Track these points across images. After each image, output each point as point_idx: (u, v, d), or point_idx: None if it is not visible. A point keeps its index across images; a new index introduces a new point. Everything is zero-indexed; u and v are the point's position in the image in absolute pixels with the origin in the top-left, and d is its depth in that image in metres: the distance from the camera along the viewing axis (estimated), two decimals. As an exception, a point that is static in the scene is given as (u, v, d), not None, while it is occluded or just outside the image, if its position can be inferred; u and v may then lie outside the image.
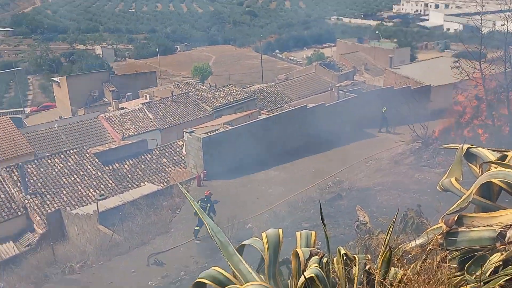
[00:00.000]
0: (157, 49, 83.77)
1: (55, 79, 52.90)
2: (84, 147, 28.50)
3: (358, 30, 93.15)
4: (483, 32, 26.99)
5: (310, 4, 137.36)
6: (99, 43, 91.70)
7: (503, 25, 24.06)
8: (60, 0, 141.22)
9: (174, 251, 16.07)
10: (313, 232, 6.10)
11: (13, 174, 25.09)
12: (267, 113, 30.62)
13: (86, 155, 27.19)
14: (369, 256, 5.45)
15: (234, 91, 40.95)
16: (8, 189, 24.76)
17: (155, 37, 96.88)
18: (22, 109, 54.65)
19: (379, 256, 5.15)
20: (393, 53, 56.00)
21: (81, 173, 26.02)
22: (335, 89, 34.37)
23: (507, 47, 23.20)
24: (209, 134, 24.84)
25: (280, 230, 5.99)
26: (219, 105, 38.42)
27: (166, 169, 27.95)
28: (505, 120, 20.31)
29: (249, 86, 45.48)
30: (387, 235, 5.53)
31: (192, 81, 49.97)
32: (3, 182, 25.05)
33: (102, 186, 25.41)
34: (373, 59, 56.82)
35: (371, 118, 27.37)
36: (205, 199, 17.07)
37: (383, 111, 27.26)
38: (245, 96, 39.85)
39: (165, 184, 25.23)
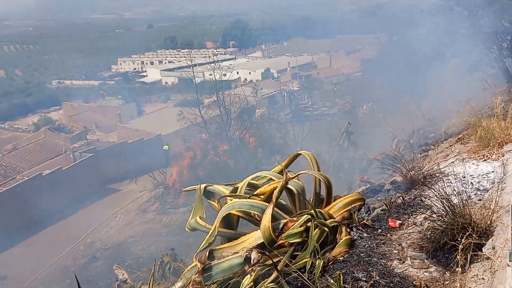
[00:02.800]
0: None
1: None
2: None
3: (82, 91, 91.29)
4: (196, 82, 29.50)
5: (27, 71, 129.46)
6: None
7: (211, 74, 26.78)
8: None
9: None
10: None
11: None
12: (-2, 187, 27.33)
13: None
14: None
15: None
16: None
17: None
18: None
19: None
20: (120, 109, 56.49)
21: None
22: (70, 151, 32.79)
23: (218, 93, 25.86)
24: None
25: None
26: None
27: None
28: (228, 155, 22.42)
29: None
30: (149, 286, 5.52)
31: None
32: None
33: None
34: (102, 117, 56.19)
35: (112, 173, 26.96)
36: None
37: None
38: (-32, 173, 34.76)
39: None
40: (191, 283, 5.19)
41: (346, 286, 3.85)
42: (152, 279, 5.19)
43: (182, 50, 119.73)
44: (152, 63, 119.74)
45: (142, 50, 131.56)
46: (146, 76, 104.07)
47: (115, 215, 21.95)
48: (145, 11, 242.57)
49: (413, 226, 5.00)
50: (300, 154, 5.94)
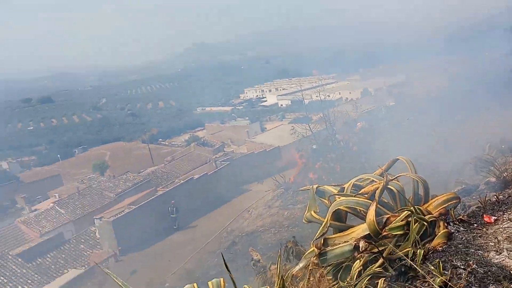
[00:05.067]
0: (58, 156, 78.00)
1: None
2: (6, 250, 24.96)
3: (219, 114, 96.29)
4: (305, 103, 29.52)
5: (179, 101, 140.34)
6: (4, 159, 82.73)
7: (317, 96, 26.64)
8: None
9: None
10: (221, 279, 6.00)
11: None
12: (162, 189, 29.75)
13: (9, 257, 23.77)
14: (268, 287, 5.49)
15: (131, 176, 39.23)
16: None
17: (55, 146, 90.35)
18: None
19: (275, 285, 5.22)
20: (247, 128, 58.53)
21: (7, 273, 22.61)
22: (213, 161, 34.67)
23: (324, 110, 25.71)
24: (117, 216, 23.36)
25: (195, 284, 5.80)
26: (120, 191, 36.42)
27: (85, 253, 25.44)
28: (335, 161, 22.09)
29: (143, 171, 43.94)
30: (277, 266, 5.63)
31: (93, 175, 47.03)
32: None
33: (28, 281, 22.28)
34: (235, 134, 58.70)
35: (244, 176, 27.98)
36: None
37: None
38: (141, 179, 38.38)
39: (86, 266, 22.91)
40: (310, 264, 5.22)
41: (446, 272, 3.60)
42: (279, 260, 5.30)
43: (293, 79, 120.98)
44: (270, 90, 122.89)
45: (262, 81, 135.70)
46: (266, 101, 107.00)
47: (248, 209, 22.68)
48: (264, 49, 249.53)
49: (508, 221, 4.52)
50: (398, 159, 5.71)
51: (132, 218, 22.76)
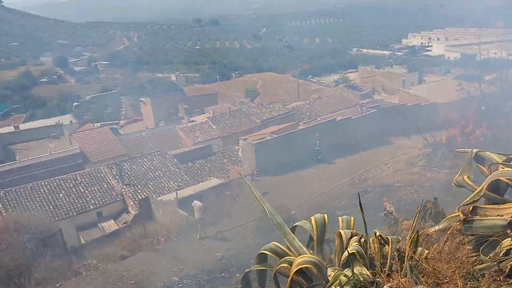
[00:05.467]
0: (217, 76, 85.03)
1: (142, 99, 54.29)
2: (165, 150, 29.18)
3: (375, 58, 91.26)
4: (480, 59, 25.89)
5: (335, 39, 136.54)
6: (174, 72, 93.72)
7: (496, 53, 23.06)
8: (143, 41, 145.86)
9: (236, 230, 16.17)
10: (352, 218, 6.05)
11: (112, 170, 25.97)
12: (303, 124, 30.43)
13: (167, 156, 27.83)
14: (400, 238, 5.35)
15: (277, 107, 40.87)
16: (109, 181, 25.64)
17: (216, 67, 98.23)
18: (117, 121, 56.33)
19: (408, 238, 5.04)
20: (404, 77, 54.53)
21: (163, 169, 26.63)
22: (358, 106, 33.71)
23: (502, 70, 22.24)
24: (259, 141, 24.92)
25: (325, 215, 5.97)
26: (266, 118, 38.43)
27: (227, 167, 28.20)
28: (503, 129, 19.36)
29: (289, 104, 45.17)
30: (413, 221, 5.40)
31: (245, 100, 50.25)
32: (106, 176, 25.96)
33: (179, 179, 25.92)
34: (388, 81, 55.50)
35: (389, 128, 26.75)
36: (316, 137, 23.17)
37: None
38: (286, 111, 39.73)
39: (226, 179, 25.48)
40: (451, 228, 4.87)
41: None
42: (417, 216, 5.07)
43: (470, 29, 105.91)
44: (438, 39, 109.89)
45: (431, 27, 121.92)
46: (431, 50, 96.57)
47: (387, 162, 21.86)
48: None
49: None
50: None
51: (273, 145, 24.06)
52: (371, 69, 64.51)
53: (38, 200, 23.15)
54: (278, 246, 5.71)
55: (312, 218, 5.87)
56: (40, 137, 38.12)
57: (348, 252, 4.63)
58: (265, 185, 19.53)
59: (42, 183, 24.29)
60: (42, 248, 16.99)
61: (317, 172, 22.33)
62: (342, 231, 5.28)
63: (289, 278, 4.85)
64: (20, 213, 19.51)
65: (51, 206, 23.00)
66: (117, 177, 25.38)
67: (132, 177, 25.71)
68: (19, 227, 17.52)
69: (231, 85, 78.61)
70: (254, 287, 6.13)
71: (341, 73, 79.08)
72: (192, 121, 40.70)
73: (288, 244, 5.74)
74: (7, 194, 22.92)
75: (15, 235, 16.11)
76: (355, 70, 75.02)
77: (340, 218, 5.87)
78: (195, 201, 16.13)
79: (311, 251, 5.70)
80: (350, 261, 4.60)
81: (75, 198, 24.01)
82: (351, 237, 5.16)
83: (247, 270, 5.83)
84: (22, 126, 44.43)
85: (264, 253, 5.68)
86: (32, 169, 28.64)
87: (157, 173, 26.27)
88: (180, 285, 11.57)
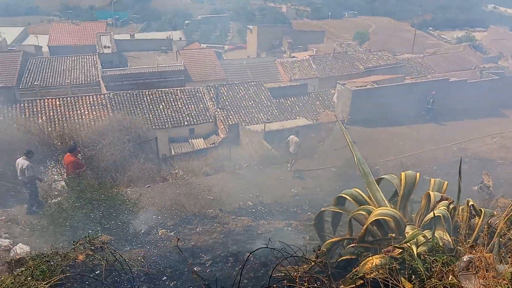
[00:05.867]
0: (329, 13, 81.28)
1: (249, 26, 54.32)
2: (262, 81, 29.46)
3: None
4: None
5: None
6: (286, 3, 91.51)
7: None
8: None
9: (314, 172, 16.27)
10: (446, 182, 5.67)
11: (210, 92, 27.05)
12: (410, 79, 28.42)
13: (262, 88, 28.16)
14: (495, 212, 4.92)
15: (386, 56, 38.46)
16: (205, 102, 26.86)
17: (330, 3, 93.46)
18: (222, 46, 57.46)
19: (504, 214, 4.60)
20: (542, 46, 47.35)
21: (256, 100, 27.14)
22: (478, 69, 30.36)
23: None
24: (358, 88, 23.96)
25: (418, 174, 5.66)
26: (371, 66, 36.55)
27: (318, 109, 27.85)
28: None
29: (399, 55, 42.17)
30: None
31: (352, 43, 47.80)
32: (203, 96, 27.18)
33: (269, 113, 26.31)
34: (521, 48, 48.72)
35: (507, 100, 23.95)
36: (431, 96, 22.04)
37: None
38: (394, 62, 37.31)
39: (315, 121, 25.26)
40: None
41: None
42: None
43: None
44: None
45: None
46: None
47: (494, 135, 19.85)
48: None
49: None
50: None
51: (372, 95, 22.99)
52: (504, 31, 56.72)
53: (140, 107, 25.17)
54: (360, 194, 5.61)
55: (403, 173, 5.61)
56: (151, 48, 40.61)
57: (433, 213, 4.39)
58: (355, 135, 18.98)
59: (146, 92, 26.22)
60: (138, 151, 18.75)
61: (412, 131, 21.10)
62: (431, 193, 5.00)
63: (364, 226, 4.78)
64: (124, 115, 21.46)
65: (150, 115, 24.93)
66: (213, 99, 26.46)
67: (227, 102, 26.62)
68: (121, 128, 19.37)
69: (341, 24, 74.83)
70: (325, 227, 6.18)
71: (467, 30, 70.85)
72: (293, 57, 40.15)
73: (370, 193, 5.60)
74: (115, 96, 25.23)
75: (117, 134, 17.87)
76: (484, 30, 66.76)
77: (432, 180, 5.54)
78: (292, 136, 16.59)
79: (392, 206, 5.52)
80: (433, 223, 4.37)
81: (172, 111, 25.68)
82: (440, 201, 4.86)
83: (322, 209, 5.86)
84: (137, 36, 47.47)
85: (344, 197, 5.62)
86: (140, 77, 30.94)
87: (250, 103, 26.87)
88: (253, 210, 12.14)
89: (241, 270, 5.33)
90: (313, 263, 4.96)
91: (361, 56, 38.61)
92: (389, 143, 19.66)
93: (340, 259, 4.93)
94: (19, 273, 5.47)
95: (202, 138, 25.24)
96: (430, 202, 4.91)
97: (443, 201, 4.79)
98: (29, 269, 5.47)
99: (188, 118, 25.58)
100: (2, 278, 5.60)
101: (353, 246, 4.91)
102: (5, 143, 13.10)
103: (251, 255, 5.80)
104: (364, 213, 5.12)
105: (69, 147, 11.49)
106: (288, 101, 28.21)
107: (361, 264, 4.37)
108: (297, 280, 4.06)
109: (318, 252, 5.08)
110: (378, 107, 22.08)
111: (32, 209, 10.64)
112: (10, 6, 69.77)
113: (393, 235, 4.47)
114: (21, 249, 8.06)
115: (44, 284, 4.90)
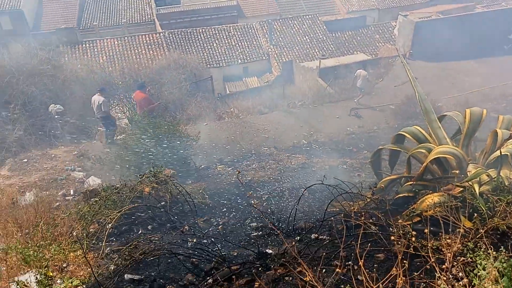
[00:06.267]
0: None
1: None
2: (317, 14, 28.22)
3: None
4: None
5: None
6: None
7: None
8: None
9: (371, 111, 15.85)
10: (517, 120, 5.32)
11: (263, 28, 26.43)
12: (482, 8, 25.88)
13: (317, 22, 27.03)
14: None
15: (455, -18, 35.05)
16: (258, 39, 26.39)
17: None
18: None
19: None
20: None
21: (311, 35, 26.23)
22: None
23: None
24: (423, 19, 22.28)
25: (485, 110, 5.36)
26: (436, -5, 33.60)
27: (377, 44, 26.49)
28: None
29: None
30: None
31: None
32: (256, 33, 26.66)
33: (324, 48, 25.44)
34: None
35: None
36: None
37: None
38: (463, -11, 33.94)
39: (374, 56, 24.15)
40: None
41: None
42: None
43: None
44: None
45: None
46: None
47: None
48: None
49: None
50: None
51: (438, 26, 21.33)
52: None
53: (195, 45, 25.27)
54: (420, 131, 5.44)
55: (467, 110, 5.34)
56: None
57: (500, 152, 4.20)
58: (417, 70, 17.99)
59: (200, 30, 26.15)
60: (195, 90, 19.16)
61: (480, 67, 19.61)
62: (499, 130, 4.74)
63: (424, 164, 4.69)
64: (180, 54, 21.73)
65: (205, 54, 25.02)
66: (266, 35, 25.91)
67: (280, 38, 25.98)
68: (178, 67, 19.75)
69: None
70: (382, 165, 6.14)
71: None
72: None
73: (431, 131, 5.42)
74: (170, 35, 25.43)
75: (174, 73, 18.27)
76: None
77: (501, 117, 5.23)
78: (360, 70, 16.59)
79: (454, 144, 5.33)
80: (499, 162, 4.20)
81: (226, 49, 25.57)
82: (508, 139, 4.62)
83: (380, 147, 5.78)
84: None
85: (403, 134, 5.49)
86: (193, 14, 30.73)
87: (304, 38, 26.04)
88: (308, 148, 12.22)
89: (296, 203, 5.52)
90: (368, 200, 5.02)
91: (427, -17, 35.40)
92: (454, 79, 18.52)
93: (397, 197, 4.93)
94: (93, 203, 6.04)
95: (255, 76, 25.15)
96: (497, 140, 4.68)
97: (512, 140, 4.55)
98: (102, 199, 6.02)
99: (241, 56, 25.41)
100: (80, 206, 6.22)
101: (411, 184, 4.87)
102: (71, 83, 13.89)
103: (306, 191, 5.96)
104: (424, 151, 5.01)
105: (139, 84, 11.91)
106: (345, 35, 27.00)
107: (419, 202, 4.35)
108: (352, 216, 4.15)
109: (374, 189, 5.11)
110: (444, 40, 20.54)
111: (113, 139, 11.40)
112: None
113: (457, 172, 4.36)
114: (93, 181, 8.82)
115: (116, 212, 5.39)
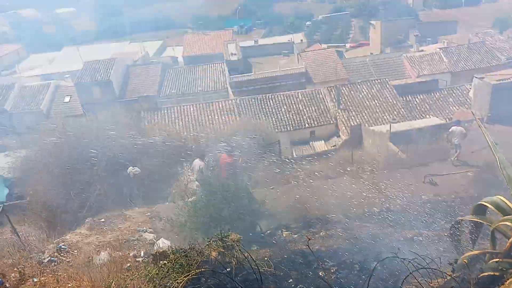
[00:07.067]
0: (462, 0, 73.91)
1: (372, 22, 52.38)
2: (386, 79, 28.17)
3: None
4: None
5: None
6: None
7: None
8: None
9: (448, 177, 14.96)
10: None
11: (331, 93, 26.81)
12: None
13: (386, 86, 26.93)
14: None
15: (534, 44, 33.65)
16: (326, 103, 26.73)
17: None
18: (344, 44, 56.36)
19: None
20: None
21: (381, 99, 26.06)
22: None
23: None
24: (500, 82, 21.30)
25: None
26: (514, 56, 32.31)
27: (451, 107, 25.61)
28: None
29: (552, 41, 36.38)
30: None
31: (491, 31, 42.66)
32: (324, 97, 27.08)
33: (395, 112, 25.04)
34: None
35: None
36: None
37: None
38: (545, 50, 32.39)
39: (448, 120, 23.25)
40: None
41: None
42: None
43: None
44: None
45: None
46: None
47: None
48: None
49: None
50: None
51: (516, 89, 20.29)
52: None
53: (264, 111, 26.16)
54: (504, 202, 5.02)
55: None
56: (273, 53, 41.84)
57: None
58: (496, 134, 16.91)
59: (270, 96, 27.15)
60: (262, 154, 19.52)
61: None
62: None
63: (511, 239, 4.27)
64: (249, 119, 22.57)
65: (273, 119, 25.74)
66: (334, 100, 26.20)
67: (349, 103, 26.10)
68: (247, 131, 20.42)
69: (477, 12, 67.34)
70: (462, 238, 5.68)
71: None
72: (421, 50, 37.53)
73: (516, 203, 4.98)
74: (241, 101, 26.66)
75: (244, 137, 18.87)
76: None
77: None
78: (455, 127, 16.47)
79: (546, 218, 4.82)
80: None
81: (294, 114, 26.14)
82: None
83: (459, 218, 5.40)
84: (260, 41, 49.43)
85: (484, 205, 5.10)
86: (263, 82, 32.18)
87: (374, 102, 25.91)
88: (380, 217, 11.68)
89: (369, 279, 5.20)
90: (449, 277, 4.61)
91: (502, 45, 34.35)
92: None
93: (481, 275, 4.48)
94: (162, 265, 6.16)
95: (323, 141, 25.18)
96: None
97: None
98: (171, 262, 6.13)
99: (308, 120, 25.76)
100: (149, 268, 6.37)
101: (497, 261, 4.42)
102: (151, 146, 14.85)
103: (378, 264, 5.62)
104: (510, 224, 4.58)
105: (227, 149, 12.90)
106: (417, 99, 26.49)
107: (507, 283, 3.92)
108: (430, 295, 3.82)
109: (454, 265, 4.70)
110: (526, 102, 19.33)
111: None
112: (150, 22, 78.51)
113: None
114: (163, 243, 9.06)
115: (183, 277, 5.44)
